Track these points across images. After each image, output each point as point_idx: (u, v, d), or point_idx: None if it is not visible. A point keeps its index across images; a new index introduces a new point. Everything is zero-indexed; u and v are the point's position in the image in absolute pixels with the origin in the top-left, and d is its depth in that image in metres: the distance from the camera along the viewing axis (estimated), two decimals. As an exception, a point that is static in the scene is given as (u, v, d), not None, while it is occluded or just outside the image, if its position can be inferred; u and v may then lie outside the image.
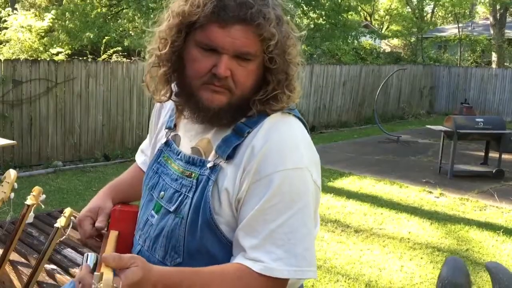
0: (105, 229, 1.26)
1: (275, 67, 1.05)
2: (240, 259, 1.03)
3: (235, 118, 1.08)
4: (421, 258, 4.02)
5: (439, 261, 3.97)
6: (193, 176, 1.10)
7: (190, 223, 1.07)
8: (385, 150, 8.56)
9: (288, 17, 1.10)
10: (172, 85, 1.14)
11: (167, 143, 1.22)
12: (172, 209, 1.11)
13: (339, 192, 5.80)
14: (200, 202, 1.07)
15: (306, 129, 1.15)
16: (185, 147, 1.16)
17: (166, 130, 1.24)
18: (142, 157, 1.42)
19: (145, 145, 1.43)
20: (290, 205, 1.02)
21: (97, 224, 1.25)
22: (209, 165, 1.08)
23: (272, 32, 1.01)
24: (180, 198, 1.10)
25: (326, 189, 5.81)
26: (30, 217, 1.70)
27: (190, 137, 1.16)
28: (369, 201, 5.50)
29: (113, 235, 1.21)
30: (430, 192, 5.96)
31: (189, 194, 1.09)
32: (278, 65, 1.05)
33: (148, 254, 1.14)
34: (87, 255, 0.98)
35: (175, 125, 1.21)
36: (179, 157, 1.16)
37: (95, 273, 0.84)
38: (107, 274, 0.84)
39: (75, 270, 1.79)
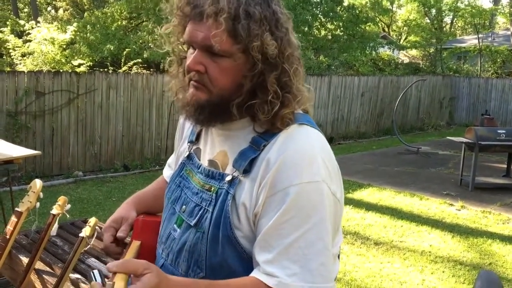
0: (127, 239, 1.27)
1: (248, 68, 1.04)
2: (255, 273, 1.02)
3: (213, 118, 1.08)
4: (443, 271, 3.95)
5: (461, 275, 3.89)
6: (212, 190, 1.10)
7: (211, 237, 1.07)
8: (404, 161, 8.47)
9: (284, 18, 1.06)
10: None
11: (189, 157, 1.22)
12: (193, 223, 1.11)
13: (358, 203, 5.75)
14: (220, 217, 1.06)
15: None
16: (204, 160, 1.17)
17: (188, 144, 1.25)
18: (169, 171, 1.42)
19: (171, 159, 1.44)
20: (306, 220, 1.00)
21: (119, 234, 1.26)
22: (227, 178, 1.08)
23: (239, 32, 0.99)
24: (200, 212, 1.10)
25: (345, 201, 5.71)
26: (54, 229, 1.72)
27: (209, 149, 1.16)
28: (389, 213, 5.43)
29: (134, 245, 1.21)
30: (451, 205, 5.86)
31: (209, 208, 1.09)
32: (249, 65, 1.03)
33: (172, 268, 1.14)
34: (93, 273, 0.98)
35: (196, 139, 1.22)
36: (199, 170, 1.16)
37: (107, 282, 0.85)
38: (119, 283, 0.85)
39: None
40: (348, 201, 5.77)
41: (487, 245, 4.58)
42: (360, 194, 6.25)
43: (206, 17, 1.01)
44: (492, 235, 4.84)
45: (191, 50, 1.07)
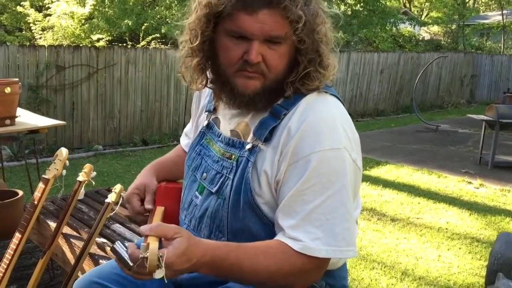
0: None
1: (304, 47, 1.05)
2: (280, 237, 1.05)
3: (270, 101, 1.10)
4: (460, 248, 3.96)
5: (478, 251, 3.90)
6: (233, 158, 1.12)
7: (232, 204, 1.10)
8: (423, 139, 8.40)
9: None
10: (207, 72, 1.16)
11: (208, 126, 1.25)
12: (214, 190, 1.14)
13: (375, 180, 5.75)
14: (241, 184, 1.09)
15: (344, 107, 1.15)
16: (225, 129, 1.19)
17: (206, 113, 1.27)
18: (186, 140, 1.46)
19: (188, 128, 1.46)
20: (328, 186, 1.03)
21: (146, 205, 1.29)
22: (247, 146, 1.10)
23: (299, 14, 1.00)
24: (221, 180, 1.13)
25: (362, 178, 5.75)
26: (81, 194, 1.77)
27: (229, 120, 1.18)
28: (406, 190, 5.43)
29: (159, 210, 1.25)
30: (470, 183, 5.82)
31: (229, 175, 1.12)
32: (307, 45, 1.05)
33: (195, 233, 1.18)
34: (116, 246, 0.98)
35: (214, 108, 1.24)
36: (220, 139, 1.18)
37: (142, 243, 0.88)
38: (153, 244, 0.88)
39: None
40: (366, 178, 5.76)
41: (505, 223, 4.56)
42: (378, 171, 6.24)
43: (266, 7, 0.99)
44: (510, 213, 4.80)
45: (235, 41, 1.04)
